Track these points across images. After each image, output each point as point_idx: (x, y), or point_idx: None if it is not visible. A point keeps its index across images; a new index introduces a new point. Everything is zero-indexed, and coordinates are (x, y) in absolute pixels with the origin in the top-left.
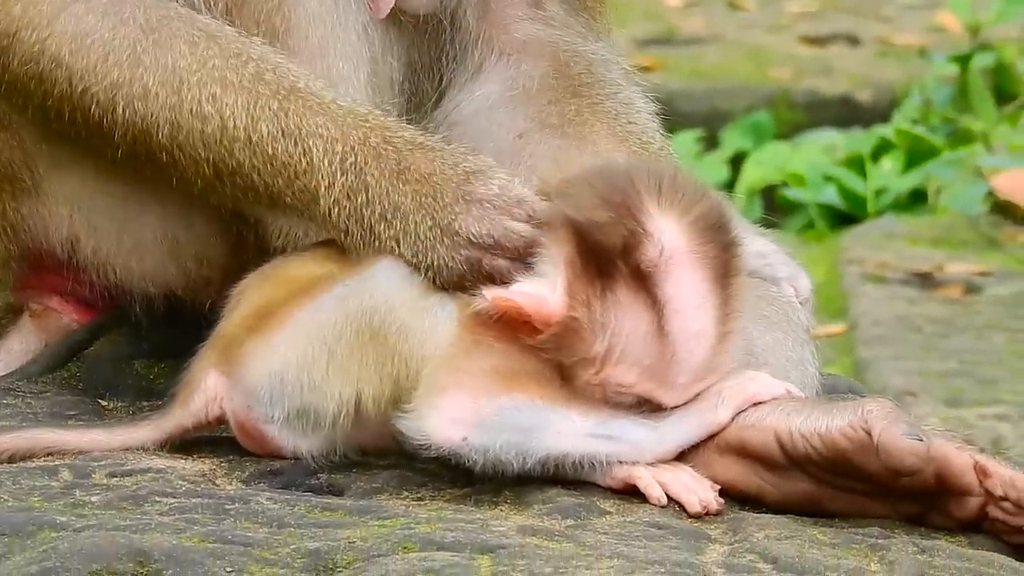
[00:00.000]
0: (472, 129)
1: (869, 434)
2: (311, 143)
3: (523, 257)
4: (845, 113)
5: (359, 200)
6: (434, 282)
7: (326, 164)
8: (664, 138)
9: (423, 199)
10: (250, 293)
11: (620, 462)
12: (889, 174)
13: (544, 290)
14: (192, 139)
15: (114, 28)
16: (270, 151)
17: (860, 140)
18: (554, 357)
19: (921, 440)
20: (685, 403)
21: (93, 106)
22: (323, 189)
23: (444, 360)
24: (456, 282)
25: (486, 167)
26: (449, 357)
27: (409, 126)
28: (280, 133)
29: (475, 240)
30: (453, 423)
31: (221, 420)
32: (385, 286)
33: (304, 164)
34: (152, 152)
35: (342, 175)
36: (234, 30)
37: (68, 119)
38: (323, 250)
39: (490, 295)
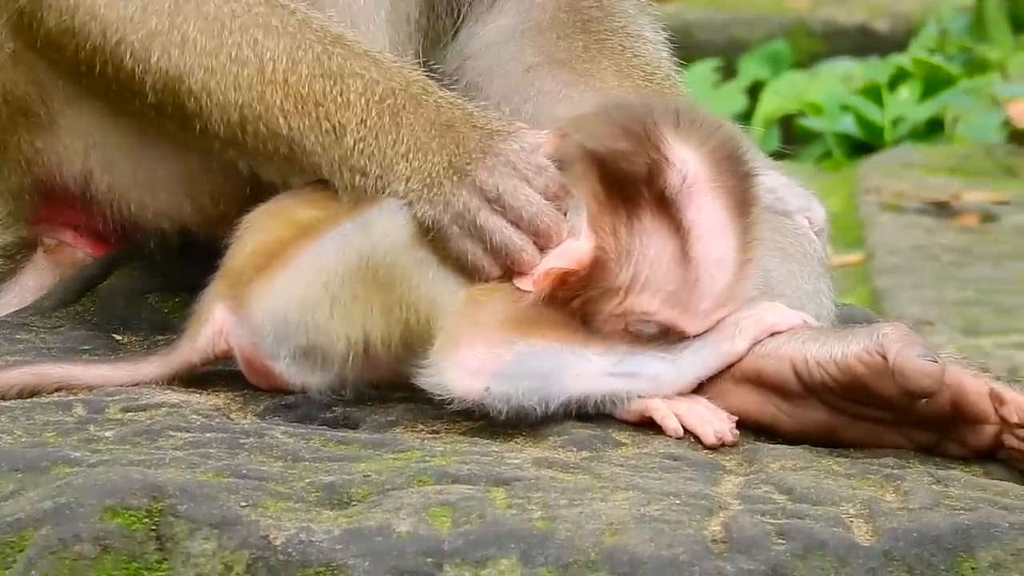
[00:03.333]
0: (483, 62)
1: (884, 357)
2: (350, 82)
3: (520, 223)
4: (862, 42)
5: (387, 139)
6: (428, 226)
7: (362, 102)
8: (673, 70)
9: (446, 142)
10: (256, 228)
11: (639, 396)
12: (906, 103)
13: (572, 239)
14: (225, 83)
15: None
16: (305, 91)
17: (877, 69)
18: (578, 293)
19: (936, 362)
20: (703, 334)
21: (127, 57)
22: (353, 124)
23: (457, 312)
24: (447, 226)
25: (515, 129)
26: (462, 308)
27: (450, 89)
28: (320, 74)
29: (480, 186)
30: (473, 375)
31: (228, 354)
32: (387, 232)
33: (340, 101)
34: (180, 102)
35: (377, 114)
36: None
37: (99, 72)
38: (329, 188)
39: (531, 282)
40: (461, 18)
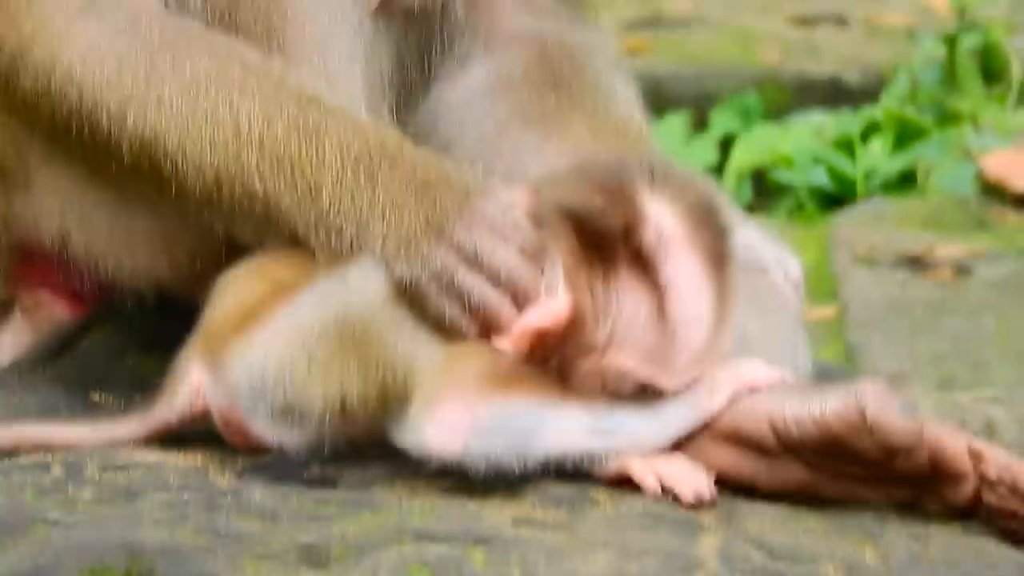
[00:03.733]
0: (454, 120)
1: (862, 414)
2: (326, 142)
3: (497, 282)
4: (834, 94)
5: (363, 198)
6: (406, 286)
7: (338, 161)
8: (646, 126)
9: (424, 201)
10: (233, 288)
11: (617, 454)
12: (878, 155)
13: (549, 297)
14: (200, 144)
15: (131, 42)
16: (280, 151)
17: (849, 121)
18: (555, 351)
19: (914, 418)
20: (681, 391)
21: (103, 119)
22: (329, 184)
23: (435, 370)
24: (424, 285)
25: (492, 188)
26: (440, 366)
27: (424, 147)
28: (296, 135)
29: (457, 245)
30: (451, 433)
31: (206, 414)
32: (364, 290)
33: (315, 161)
34: (156, 163)
35: (353, 173)
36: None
37: (75, 133)
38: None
39: (509, 341)
40: (432, 74)
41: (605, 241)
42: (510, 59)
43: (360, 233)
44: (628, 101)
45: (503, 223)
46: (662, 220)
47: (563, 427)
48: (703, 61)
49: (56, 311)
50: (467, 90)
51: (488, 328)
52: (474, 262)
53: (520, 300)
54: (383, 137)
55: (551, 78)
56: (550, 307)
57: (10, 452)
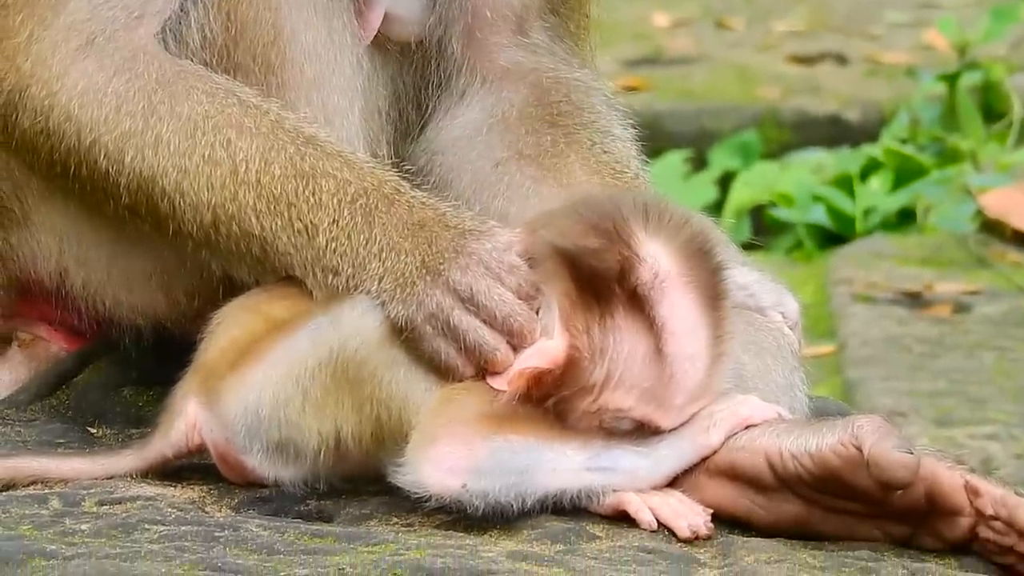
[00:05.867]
0: (451, 157)
1: (859, 449)
2: (323, 182)
3: (493, 323)
4: (833, 132)
5: (359, 239)
6: (401, 326)
7: (335, 202)
8: (641, 166)
9: (419, 242)
10: (228, 324)
11: (614, 491)
12: (877, 193)
13: (545, 338)
14: (198, 184)
15: (128, 81)
16: (278, 191)
17: (848, 159)
18: (552, 391)
19: (911, 453)
20: (678, 427)
21: (101, 157)
22: (326, 224)
23: (432, 409)
24: (420, 326)
25: (487, 228)
26: (436, 406)
27: (419, 190)
28: (293, 175)
29: (453, 286)
30: (450, 472)
31: (202, 448)
32: (358, 328)
33: (312, 201)
34: (154, 202)
35: (349, 214)
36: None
37: (73, 172)
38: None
39: (506, 381)
40: (428, 111)
41: (600, 281)
42: (507, 96)
43: (356, 273)
44: (625, 142)
45: (499, 264)
46: (657, 260)
47: (561, 465)
48: (703, 99)
49: (53, 346)
50: (463, 128)
51: (484, 368)
52: (470, 302)
53: (516, 341)
54: (380, 178)
55: (548, 115)
56: (546, 348)
57: (8, 485)
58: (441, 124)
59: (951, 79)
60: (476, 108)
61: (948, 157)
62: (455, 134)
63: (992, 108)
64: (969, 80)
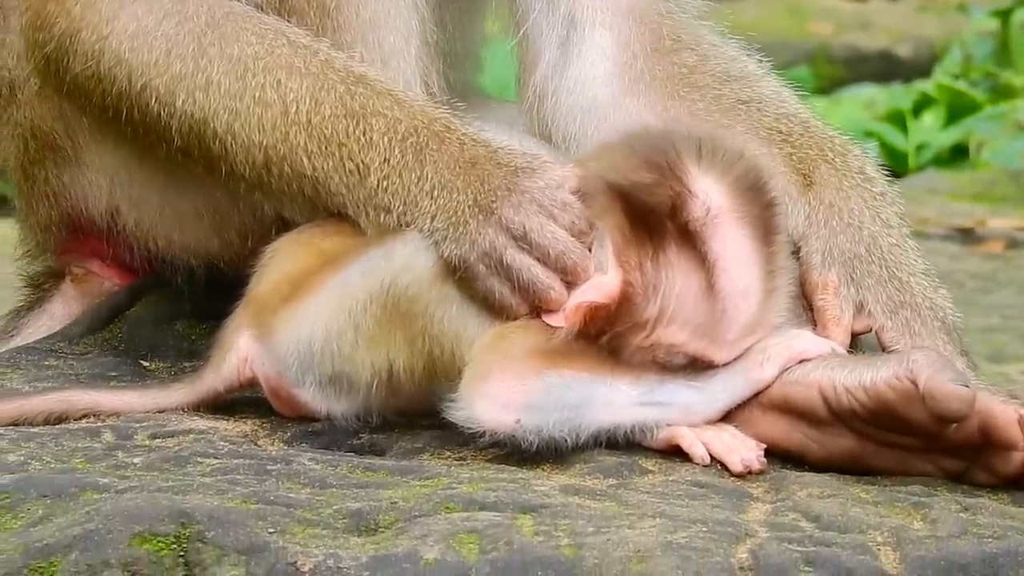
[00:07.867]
0: (568, 97)
1: (915, 383)
2: (373, 121)
3: (546, 260)
4: (885, 68)
5: (411, 177)
6: (454, 265)
7: (385, 141)
8: (780, 86)
9: (471, 180)
10: (281, 258)
11: (668, 425)
12: (930, 129)
13: (600, 273)
14: (249, 125)
15: (178, 24)
16: (328, 131)
17: (900, 95)
18: (606, 327)
19: (967, 387)
20: (731, 362)
21: (152, 101)
22: (377, 164)
23: (485, 346)
24: (473, 265)
25: (540, 165)
26: (490, 342)
27: (471, 123)
28: (344, 114)
29: (506, 224)
30: (504, 407)
31: (254, 382)
32: (411, 264)
33: (363, 141)
34: (206, 144)
35: (400, 152)
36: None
37: (125, 116)
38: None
39: (561, 318)
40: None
41: (653, 217)
42: (621, 33)
43: (408, 211)
44: (758, 77)
45: (551, 201)
46: (709, 195)
47: (614, 400)
48: (754, 34)
49: (105, 280)
50: (582, 66)
51: (538, 306)
52: (523, 241)
53: (570, 278)
54: (431, 115)
55: (667, 51)
56: (602, 283)
57: (60, 418)
58: (551, 61)
59: (1004, 15)
60: (596, 60)
61: (1001, 93)
62: (573, 73)
63: None
64: (1021, 16)
